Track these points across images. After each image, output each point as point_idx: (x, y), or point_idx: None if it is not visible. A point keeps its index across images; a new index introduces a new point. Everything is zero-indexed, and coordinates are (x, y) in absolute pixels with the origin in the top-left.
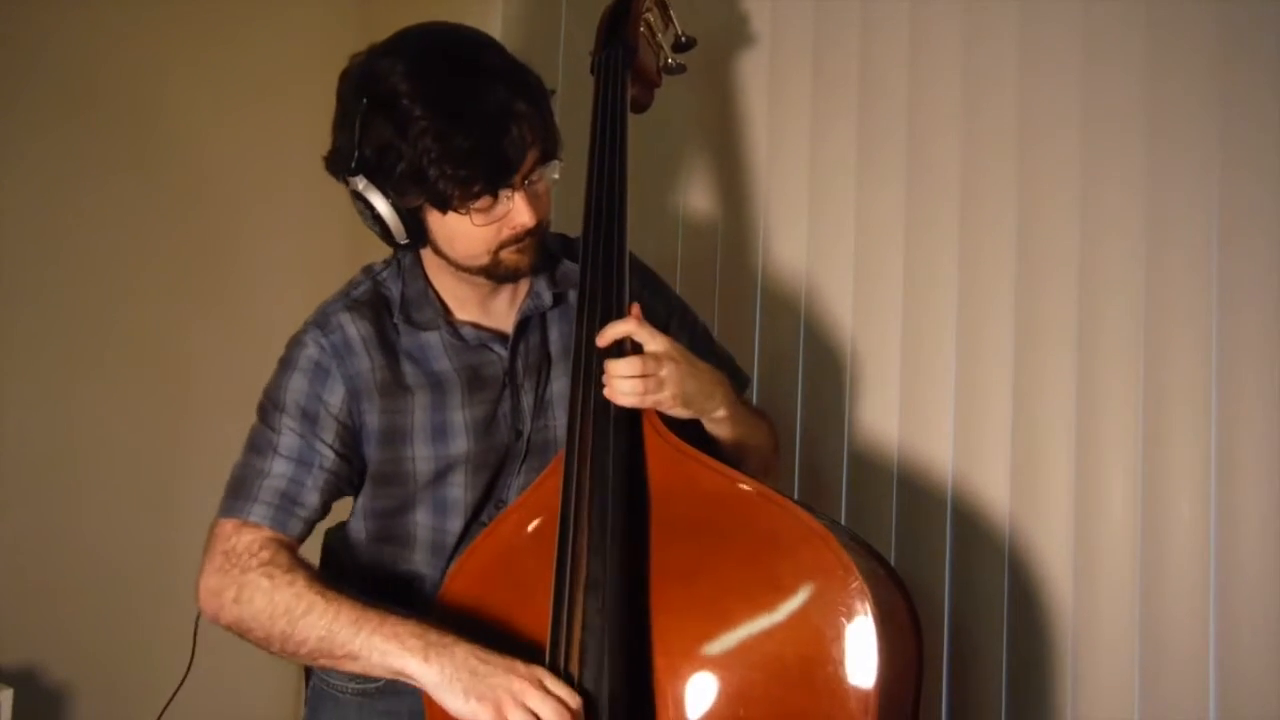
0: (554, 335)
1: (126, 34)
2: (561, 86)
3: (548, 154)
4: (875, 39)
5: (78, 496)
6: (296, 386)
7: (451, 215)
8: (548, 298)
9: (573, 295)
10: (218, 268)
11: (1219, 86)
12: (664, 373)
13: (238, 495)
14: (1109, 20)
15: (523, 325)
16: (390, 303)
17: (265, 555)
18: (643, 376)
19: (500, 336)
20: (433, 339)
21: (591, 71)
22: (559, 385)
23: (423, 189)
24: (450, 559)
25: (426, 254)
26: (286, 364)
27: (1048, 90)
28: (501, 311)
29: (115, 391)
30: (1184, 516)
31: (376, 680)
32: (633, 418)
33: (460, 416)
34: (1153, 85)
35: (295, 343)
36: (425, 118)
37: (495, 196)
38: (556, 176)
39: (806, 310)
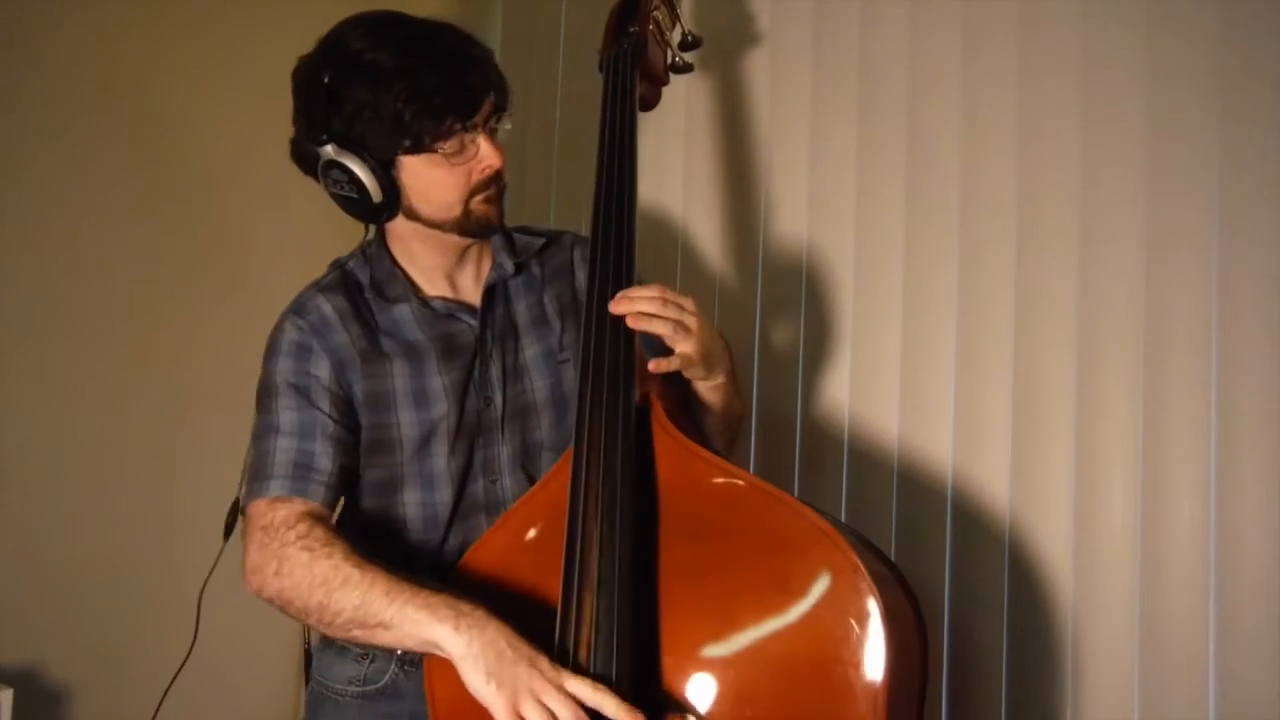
0: (519, 307)
1: (134, 36)
2: (561, 85)
3: (500, 104)
4: (875, 39)
5: (78, 496)
6: (284, 368)
7: (426, 162)
8: (510, 266)
9: (535, 267)
10: (219, 269)
11: (1219, 86)
12: (690, 322)
13: (255, 478)
14: (1109, 21)
15: (489, 295)
16: (360, 284)
17: (302, 529)
18: (673, 321)
19: (468, 308)
20: (404, 312)
21: (600, 69)
22: (531, 351)
23: (399, 131)
24: (447, 530)
25: (392, 232)
26: (270, 352)
27: (1048, 90)
28: (467, 285)
29: (116, 392)
30: (1184, 516)
31: (377, 681)
32: (641, 415)
33: (439, 382)
34: (1153, 86)
35: (275, 331)
36: (392, 62)
37: (465, 134)
38: (509, 127)
39: (807, 309)
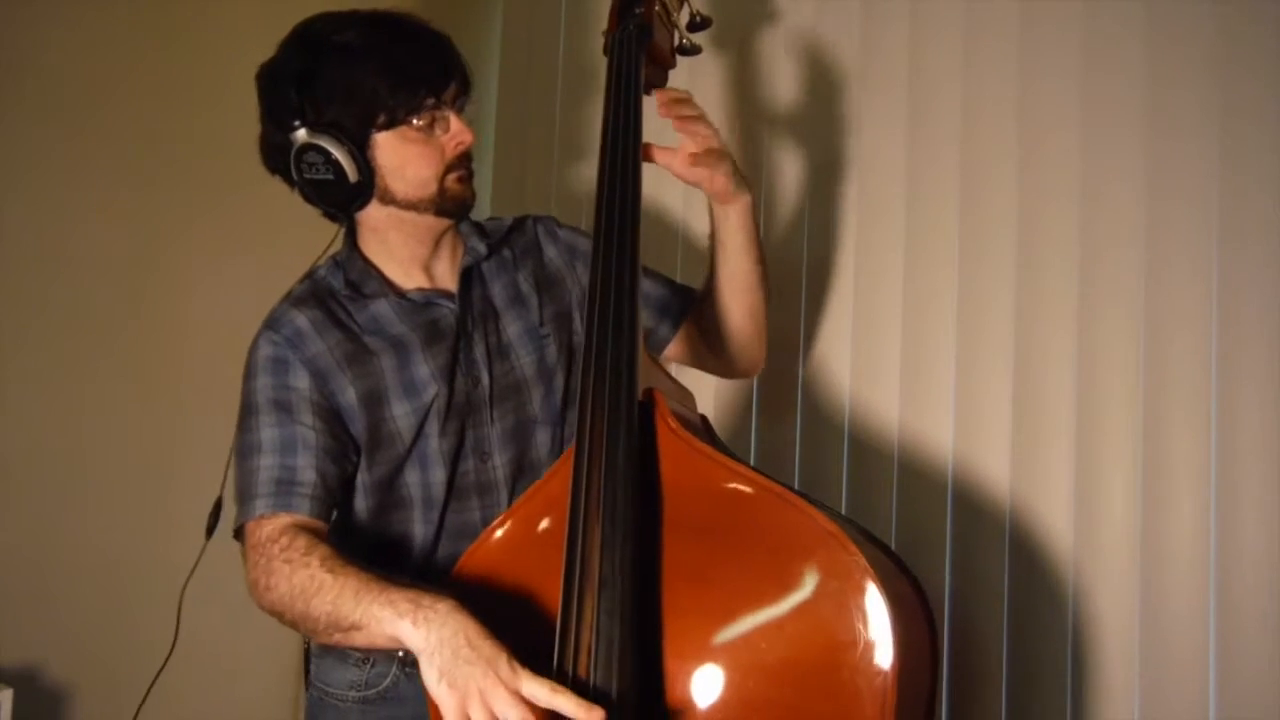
0: (495, 288)
1: (135, 36)
2: (561, 86)
3: (463, 87)
4: (874, 39)
5: (78, 496)
6: (263, 385)
7: (399, 138)
8: (482, 248)
9: (505, 250)
10: (219, 270)
11: (1219, 86)
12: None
13: (242, 501)
14: (1109, 20)
15: (466, 277)
16: (334, 289)
17: (285, 541)
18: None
19: (446, 294)
20: (383, 308)
21: (605, 51)
22: (514, 329)
23: (374, 105)
24: (443, 512)
25: (366, 226)
26: (249, 372)
27: (1048, 90)
28: (443, 274)
29: (116, 392)
30: (1184, 516)
31: (378, 685)
32: (645, 411)
33: (425, 368)
34: (1153, 86)
35: (251, 349)
36: (362, 40)
37: (436, 110)
38: (472, 112)
39: (807, 305)
